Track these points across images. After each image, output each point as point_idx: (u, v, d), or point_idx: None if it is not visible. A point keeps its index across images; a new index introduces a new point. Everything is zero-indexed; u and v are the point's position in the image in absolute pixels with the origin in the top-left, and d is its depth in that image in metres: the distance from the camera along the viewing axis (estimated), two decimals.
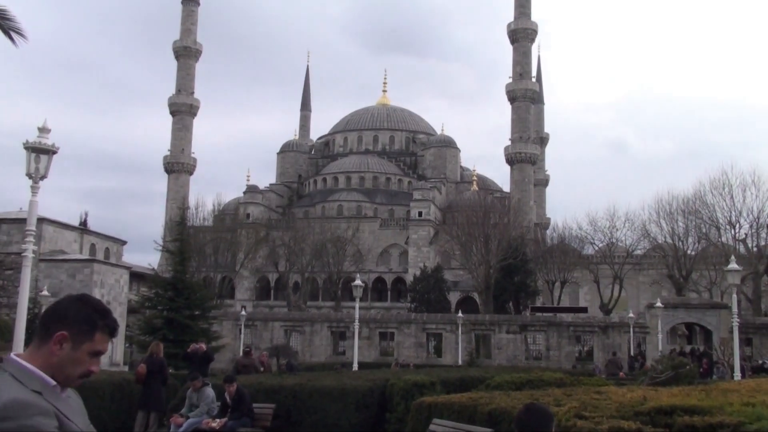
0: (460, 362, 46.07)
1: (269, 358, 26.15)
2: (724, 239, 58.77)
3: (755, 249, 55.92)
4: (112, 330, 2.87)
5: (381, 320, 55.88)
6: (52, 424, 2.58)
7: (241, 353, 32.54)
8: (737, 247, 55.85)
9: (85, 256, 52.70)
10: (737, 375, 24.32)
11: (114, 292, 49.73)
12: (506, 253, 61.30)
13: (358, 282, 31.00)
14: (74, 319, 2.79)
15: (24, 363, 2.71)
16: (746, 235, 56.92)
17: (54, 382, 2.72)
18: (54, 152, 11.45)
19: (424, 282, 69.02)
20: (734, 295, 26.10)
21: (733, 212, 56.36)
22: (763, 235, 55.45)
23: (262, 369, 23.13)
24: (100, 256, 55.62)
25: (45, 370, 2.70)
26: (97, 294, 48.10)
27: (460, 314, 50.33)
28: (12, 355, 2.77)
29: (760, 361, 38.36)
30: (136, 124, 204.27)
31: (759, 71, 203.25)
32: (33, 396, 2.60)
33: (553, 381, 15.35)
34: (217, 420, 13.78)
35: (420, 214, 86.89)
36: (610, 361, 39.85)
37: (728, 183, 56.57)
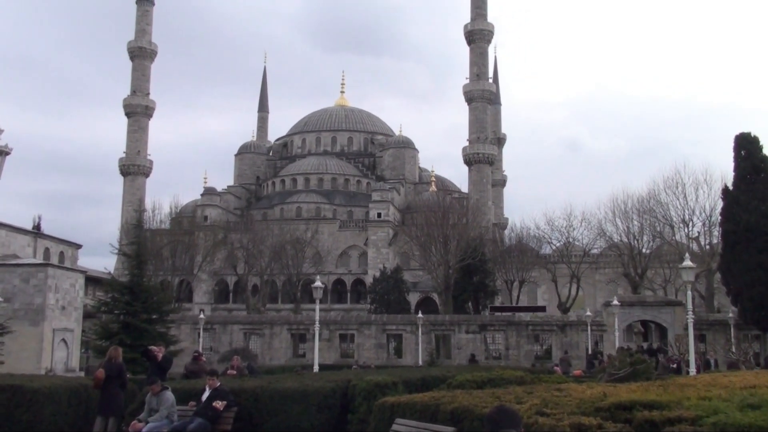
0: (420, 363, 46.22)
1: (241, 362, 25.85)
2: (678, 237, 59.82)
3: (708, 247, 56.94)
4: None
5: (341, 322, 55.82)
6: None
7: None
8: (690, 245, 56.84)
9: (39, 260, 51.68)
10: (692, 370, 24.75)
11: (69, 297, 48.80)
12: (465, 254, 61.65)
13: (317, 284, 30.94)
14: None
15: None
16: (699, 233, 58.02)
17: None
18: (7, 153, 11.24)
19: (383, 283, 69.09)
20: (688, 292, 26.56)
21: (686, 211, 57.40)
22: (716, 233, 56.46)
23: (234, 373, 22.86)
24: (54, 260, 54.64)
25: None
26: (51, 299, 47.28)
27: (420, 315, 50.53)
28: None
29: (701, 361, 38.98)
30: (91, 126, 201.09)
31: (709, 70, 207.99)
32: None
33: (513, 379, 15.47)
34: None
35: (379, 215, 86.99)
36: (562, 359, 41.16)
37: (681, 182, 57.63)
